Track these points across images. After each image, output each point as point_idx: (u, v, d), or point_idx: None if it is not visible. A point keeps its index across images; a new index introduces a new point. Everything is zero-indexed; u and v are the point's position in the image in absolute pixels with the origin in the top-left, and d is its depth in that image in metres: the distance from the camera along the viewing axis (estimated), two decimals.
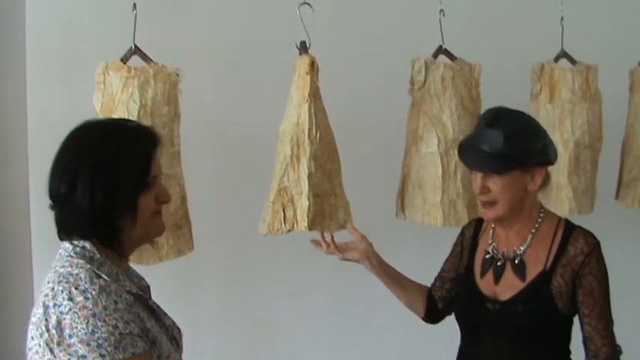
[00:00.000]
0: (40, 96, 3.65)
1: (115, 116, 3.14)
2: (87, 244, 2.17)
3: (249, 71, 4.10)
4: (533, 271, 2.81)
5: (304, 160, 3.20)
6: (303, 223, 3.21)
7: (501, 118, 2.79)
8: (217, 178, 4.08)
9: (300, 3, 3.32)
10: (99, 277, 2.10)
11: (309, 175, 3.20)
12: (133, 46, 3.26)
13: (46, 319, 2.03)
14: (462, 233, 3.17)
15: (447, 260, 3.22)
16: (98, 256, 2.16)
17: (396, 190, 3.82)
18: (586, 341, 2.80)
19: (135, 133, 2.29)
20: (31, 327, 2.09)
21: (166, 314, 2.40)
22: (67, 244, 2.19)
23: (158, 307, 2.38)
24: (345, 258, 3.16)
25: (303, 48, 3.31)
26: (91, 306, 2.02)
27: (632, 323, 4.36)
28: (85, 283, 2.06)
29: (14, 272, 3.47)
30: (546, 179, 2.90)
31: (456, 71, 3.72)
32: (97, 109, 3.22)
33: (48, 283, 2.10)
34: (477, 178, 2.81)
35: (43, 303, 2.06)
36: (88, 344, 1.99)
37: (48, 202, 2.22)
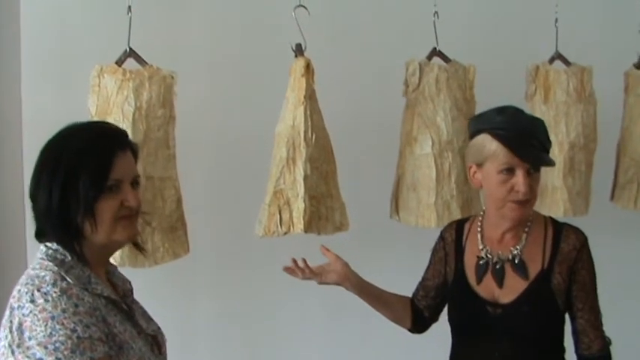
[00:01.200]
0: (35, 98, 3.64)
1: (110, 119, 3.14)
2: (59, 247, 2.16)
3: (244, 74, 4.10)
4: (532, 271, 2.80)
5: (300, 162, 3.21)
6: (299, 225, 3.21)
7: (523, 112, 2.81)
8: (213, 180, 4.08)
9: (295, 6, 3.33)
10: (63, 279, 2.08)
11: (305, 178, 3.21)
12: (127, 49, 3.27)
13: (11, 321, 2.03)
14: (443, 238, 3.09)
15: (428, 268, 3.15)
16: (69, 258, 2.14)
17: (390, 192, 3.82)
18: (579, 335, 2.81)
19: (96, 136, 2.24)
20: (1, 328, 2.08)
21: (151, 319, 2.38)
22: (42, 246, 2.18)
23: (144, 311, 2.38)
24: (323, 282, 3.11)
25: (299, 50, 3.32)
26: (50, 309, 2.00)
27: (628, 323, 4.38)
28: (47, 285, 2.04)
29: (9, 273, 3.47)
30: None
31: (450, 73, 3.73)
32: (92, 111, 3.22)
33: (18, 284, 2.10)
34: (519, 176, 2.71)
35: (10, 304, 2.06)
36: (46, 347, 1.97)
37: None
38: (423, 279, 3.16)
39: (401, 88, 3.75)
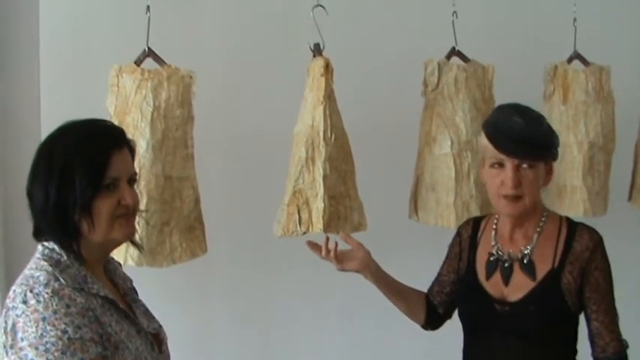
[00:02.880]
0: (54, 98, 3.64)
1: (129, 119, 3.15)
2: (56, 247, 2.16)
3: (262, 73, 4.10)
4: (542, 270, 2.79)
5: (319, 162, 3.20)
6: (318, 225, 3.21)
7: (531, 110, 2.81)
8: (231, 180, 4.07)
9: (313, 5, 3.32)
10: (57, 279, 2.08)
11: (325, 177, 3.20)
12: (146, 49, 3.26)
13: (5, 322, 2.04)
14: (459, 234, 3.12)
15: (444, 263, 3.16)
16: (65, 258, 2.15)
17: (409, 192, 3.81)
18: (593, 337, 2.80)
19: (91, 133, 2.24)
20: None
21: (153, 317, 2.39)
22: (39, 246, 2.19)
23: (146, 309, 2.38)
24: (343, 269, 3.08)
25: (317, 50, 3.31)
26: (41, 309, 2.00)
27: None
28: (40, 286, 2.05)
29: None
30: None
31: (469, 73, 3.71)
32: (111, 111, 3.22)
33: (14, 284, 2.10)
34: (508, 170, 2.74)
35: (6, 305, 2.06)
36: (37, 348, 1.97)
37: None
38: (439, 274, 3.17)
39: (420, 88, 3.74)
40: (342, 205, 3.29)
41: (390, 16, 4.31)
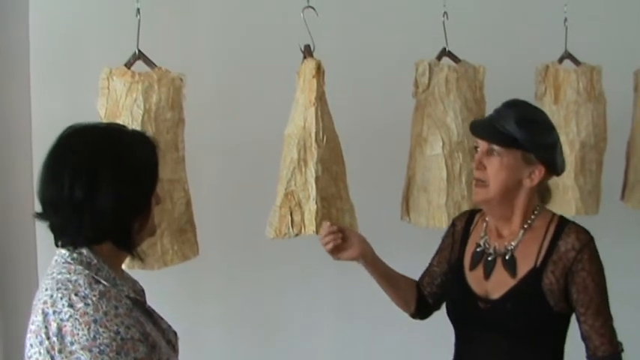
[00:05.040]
0: (44, 101, 3.64)
1: (119, 121, 3.13)
2: (84, 250, 2.16)
3: (253, 75, 4.10)
4: (523, 268, 2.77)
5: (311, 163, 3.20)
6: (310, 226, 3.20)
7: (521, 104, 2.83)
8: (222, 182, 4.07)
9: (303, 7, 3.32)
10: (98, 282, 2.10)
11: (317, 179, 3.20)
12: (136, 51, 3.26)
13: (46, 327, 2.03)
14: (453, 224, 3.12)
15: (436, 254, 3.15)
16: (95, 261, 2.16)
17: (400, 193, 3.81)
18: (584, 339, 2.76)
19: (140, 137, 2.32)
20: (29, 335, 2.09)
21: (162, 318, 2.39)
22: (63, 251, 2.18)
23: (154, 310, 2.39)
24: (339, 257, 3.00)
25: (308, 52, 3.30)
26: (91, 312, 2.02)
27: (635, 323, 4.36)
28: (85, 289, 2.06)
29: (19, 277, 3.47)
30: (546, 189, 2.90)
31: (460, 73, 3.71)
32: (101, 114, 3.21)
33: (46, 290, 2.09)
34: (479, 152, 2.79)
35: (42, 310, 2.05)
36: (90, 350, 1.99)
37: None
38: (430, 265, 3.17)
39: (410, 89, 3.73)
40: (334, 207, 3.29)
41: (380, 17, 4.31)
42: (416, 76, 3.73)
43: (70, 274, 2.11)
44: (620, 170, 4.24)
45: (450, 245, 3.08)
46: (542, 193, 2.89)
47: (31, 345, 2.07)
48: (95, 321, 2.01)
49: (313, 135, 3.20)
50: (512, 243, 2.82)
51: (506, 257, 2.81)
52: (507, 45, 4.43)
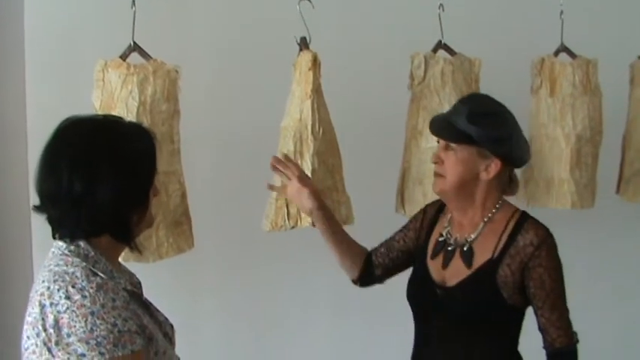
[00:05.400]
0: (39, 94, 3.64)
1: (114, 113, 3.12)
2: (81, 242, 2.17)
3: (248, 68, 4.10)
4: (480, 259, 2.83)
5: (307, 156, 3.21)
6: (307, 219, 3.21)
7: (475, 99, 2.96)
8: (218, 175, 4.07)
9: None
10: (95, 274, 2.10)
11: (313, 171, 3.21)
12: (132, 43, 3.24)
13: (43, 319, 2.03)
14: (425, 211, 3.18)
15: (401, 230, 3.21)
16: (93, 253, 2.16)
17: (395, 186, 3.81)
18: (542, 331, 2.82)
19: (138, 129, 2.33)
20: (26, 327, 2.09)
21: (158, 310, 2.40)
22: (60, 243, 2.18)
23: (150, 303, 2.39)
24: (291, 198, 3.13)
25: (304, 44, 3.31)
26: (89, 304, 2.02)
27: (631, 317, 4.37)
28: (82, 281, 2.06)
29: (15, 272, 3.47)
30: (510, 180, 2.95)
31: (455, 66, 3.71)
32: (96, 106, 3.20)
33: (43, 282, 2.09)
34: (438, 147, 2.90)
35: (39, 302, 2.05)
36: (87, 342, 1.99)
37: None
38: (392, 238, 3.22)
39: (406, 82, 3.73)
40: (330, 199, 3.30)
41: (376, 9, 4.31)
42: (411, 69, 3.72)
43: (67, 266, 2.11)
44: (616, 163, 4.24)
45: (417, 229, 3.15)
46: (506, 184, 2.94)
47: (28, 337, 2.07)
48: (92, 313, 2.01)
49: (309, 127, 3.21)
50: (472, 235, 2.89)
51: (464, 248, 2.88)
52: (503, 38, 4.43)
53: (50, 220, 2.21)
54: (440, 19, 3.71)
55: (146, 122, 3.14)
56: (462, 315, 2.83)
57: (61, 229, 2.19)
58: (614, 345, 4.53)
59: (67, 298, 2.03)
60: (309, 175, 3.19)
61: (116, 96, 3.17)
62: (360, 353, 4.54)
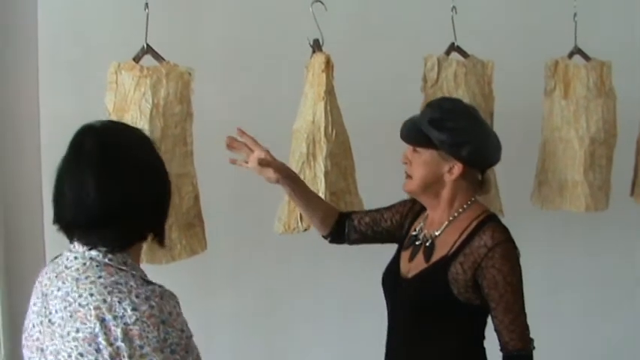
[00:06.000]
0: (53, 96, 3.63)
1: (128, 116, 3.14)
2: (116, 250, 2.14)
3: (261, 69, 4.09)
4: (437, 255, 2.89)
5: (320, 158, 3.21)
6: None
7: (442, 103, 3.01)
8: (230, 177, 4.05)
9: (312, 1, 3.31)
10: (148, 282, 2.10)
11: (326, 174, 3.21)
12: (145, 46, 3.25)
13: (106, 333, 2.00)
14: (413, 201, 3.20)
15: (388, 209, 3.25)
16: (130, 260, 2.15)
17: None
18: (496, 333, 2.84)
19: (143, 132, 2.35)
20: (75, 344, 2.04)
21: None
22: (93, 253, 2.12)
23: None
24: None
25: (317, 46, 3.31)
26: (157, 313, 2.02)
27: None
28: (144, 290, 2.05)
29: (28, 272, 3.47)
30: (482, 180, 2.99)
31: (468, 68, 3.71)
32: (109, 108, 3.20)
33: (91, 295, 2.04)
34: (407, 148, 2.97)
35: (97, 316, 2.01)
36: (162, 351, 2.00)
37: None
38: (378, 212, 3.27)
39: (419, 84, 3.73)
40: (343, 201, 3.30)
41: (389, 11, 4.30)
42: (424, 71, 3.73)
43: (114, 276, 2.08)
44: (631, 166, 4.22)
45: (403, 215, 3.20)
46: (476, 184, 2.99)
47: (81, 354, 2.02)
48: (163, 322, 2.02)
49: (322, 129, 3.21)
50: (436, 232, 2.95)
51: (427, 244, 2.95)
52: (516, 40, 4.42)
53: (87, 233, 2.14)
54: (453, 21, 3.70)
55: (159, 124, 3.15)
56: (415, 306, 2.93)
57: (100, 240, 2.14)
58: (635, 342, 4.55)
59: (134, 309, 2.00)
60: (323, 177, 3.19)
61: (129, 98, 3.18)
62: (373, 356, 4.53)
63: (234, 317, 4.33)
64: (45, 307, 2.13)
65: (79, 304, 2.05)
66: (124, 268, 2.11)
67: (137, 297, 2.03)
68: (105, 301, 2.02)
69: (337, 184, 3.26)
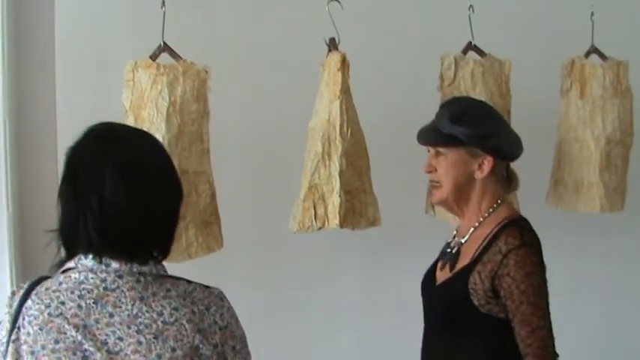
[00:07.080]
0: (69, 94, 3.64)
1: (144, 114, 3.15)
2: (151, 261, 2.05)
3: (277, 68, 4.10)
4: (461, 264, 2.86)
5: (335, 157, 3.20)
6: (334, 220, 3.20)
7: (456, 101, 3.02)
8: (246, 175, 4.07)
9: (328, 0, 3.31)
10: (206, 286, 2.14)
11: (341, 172, 3.20)
12: (162, 44, 3.26)
13: (207, 344, 2.01)
14: None
15: None
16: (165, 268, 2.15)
17: (425, 188, 3.79)
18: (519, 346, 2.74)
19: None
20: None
21: None
22: (144, 268, 2.01)
23: None
24: None
25: (333, 45, 3.31)
26: (233, 312, 2.16)
27: None
28: (210, 294, 2.13)
29: (45, 272, 3.48)
30: (508, 176, 2.98)
31: (485, 67, 3.70)
32: (126, 106, 3.22)
33: (176, 310, 2.00)
34: (429, 156, 2.94)
35: (193, 329, 2.00)
36: (247, 344, 2.19)
37: None
38: None
39: (436, 83, 3.72)
40: (358, 200, 3.29)
41: (405, 10, 4.30)
42: (441, 70, 3.72)
43: (178, 286, 2.06)
44: None
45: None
46: (504, 182, 2.97)
47: None
48: (237, 318, 2.15)
49: (338, 128, 3.20)
50: (462, 240, 2.93)
51: (453, 252, 2.92)
52: (533, 39, 4.41)
53: (131, 246, 2.03)
54: (470, 20, 3.69)
55: (176, 122, 3.16)
56: (442, 317, 2.90)
57: (149, 252, 2.07)
58: None
59: (221, 313, 2.10)
60: (337, 176, 3.19)
61: (146, 96, 3.19)
62: (389, 354, 4.53)
63: (249, 315, 4.30)
64: (90, 339, 1.90)
65: (164, 323, 1.97)
66: (173, 276, 2.10)
67: (214, 301, 2.09)
68: (194, 312, 2.02)
69: (352, 182, 3.25)
